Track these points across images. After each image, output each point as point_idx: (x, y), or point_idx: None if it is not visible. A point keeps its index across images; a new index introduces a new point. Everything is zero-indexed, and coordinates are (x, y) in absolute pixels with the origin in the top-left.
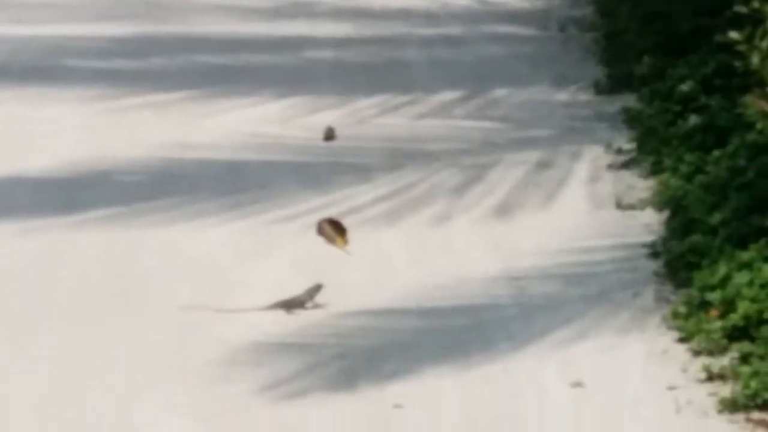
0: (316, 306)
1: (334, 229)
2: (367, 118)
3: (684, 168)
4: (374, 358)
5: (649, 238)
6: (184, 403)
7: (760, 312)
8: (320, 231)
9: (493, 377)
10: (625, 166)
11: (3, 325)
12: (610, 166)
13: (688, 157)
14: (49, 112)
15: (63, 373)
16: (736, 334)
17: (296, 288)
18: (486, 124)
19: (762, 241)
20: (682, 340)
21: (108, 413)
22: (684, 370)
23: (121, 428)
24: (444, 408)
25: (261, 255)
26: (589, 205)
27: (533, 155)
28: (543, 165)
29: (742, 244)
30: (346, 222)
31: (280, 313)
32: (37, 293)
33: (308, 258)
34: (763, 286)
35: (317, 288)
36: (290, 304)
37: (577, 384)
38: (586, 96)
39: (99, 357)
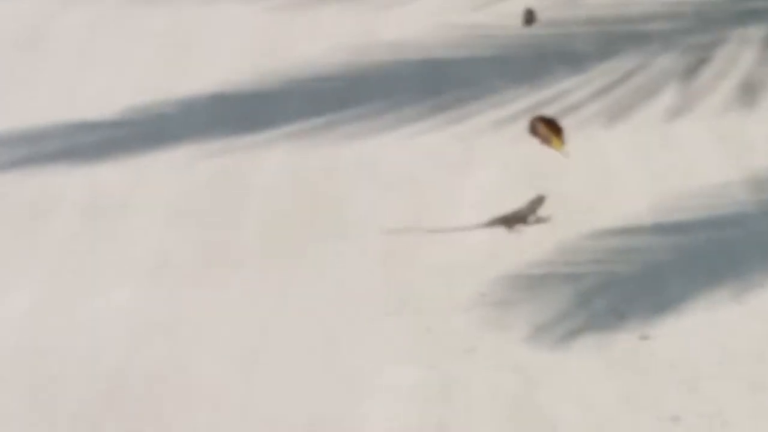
0: (539, 220)
1: (549, 129)
2: None
3: None
4: (610, 284)
5: None
6: (403, 346)
7: None
8: (533, 130)
9: (747, 299)
10: None
11: (189, 263)
12: None
13: None
14: (211, 15)
15: (263, 315)
16: None
17: (513, 199)
18: None
19: None
20: None
21: (318, 357)
22: None
23: (336, 374)
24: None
25: (470, 164)
26: None
27: (761, 30)
28: None
29: None
30: (560, 121)
31: (501, 231)
32: (224, 224)
33: (523, 164)
34: None
35: (540, 200)
36: (511, 220)
37: None
38: None
39: (301, 293)
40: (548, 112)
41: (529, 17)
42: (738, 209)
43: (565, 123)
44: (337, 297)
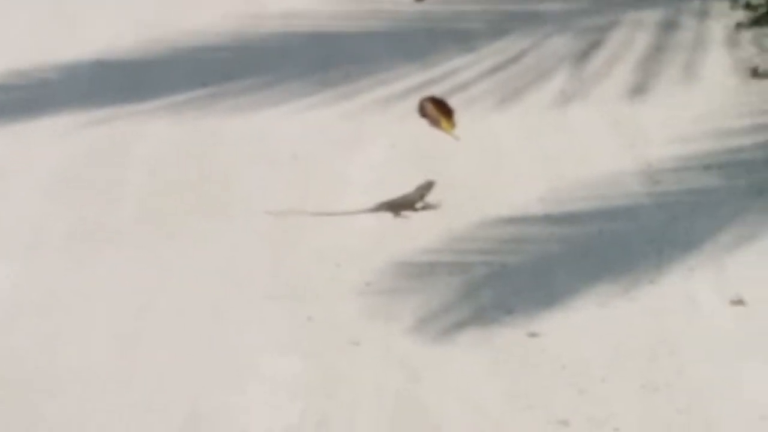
0: (427, 206)
1: (439, 110)
2: None
3: None
4: (499, 276)
5: None
6: (284, 334)
7: None
8: (423, 111)
9: (639, 295)
10: (757, 23)
11: (65, 237)
12: (740, 25)
13: None
14: None
15: (140, 295)
16: None
17: (401, 182)
18: None
19: None
20: None
21: (198, 343)
22: None
23: (216, 362)
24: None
25: (358, 143)
26: (726, 74)
27: (656, 14)
28: (668, 26)
29: None
30: (450, 101)
31: (388, 216)
32: (104, 197)
33: (412, 144)
34: None
35: (428, 185)
36: (398, 205)
37: (738, 302)
38: None
39: (181, 273)
40: (438, 91)
41: None
42: (631, 200)
43: (454, 103)
44: (219, 278)
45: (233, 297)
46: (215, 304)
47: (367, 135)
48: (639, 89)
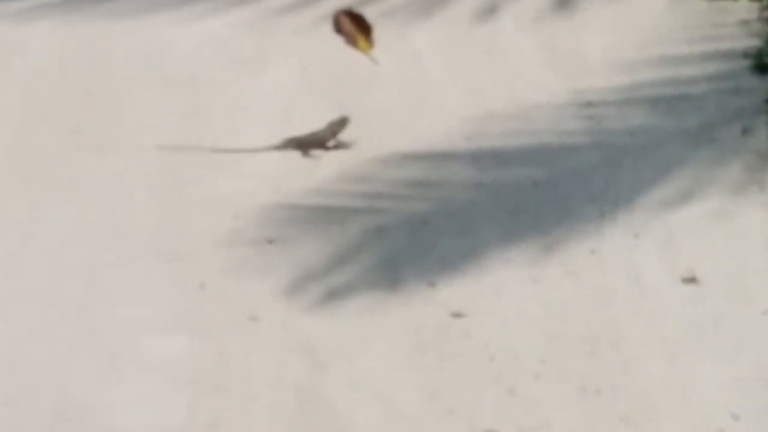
0: (340, 146)
1: (356, 26)
2: None
3: None
4: (418, 232)
5: (750, 42)
6: (171, 306)
7: None
8: (338, 27)
9: (578, 268)
10: None
11: None
12: None
13: None
14: None
15: (4, 249)
16: None
17: (309, 113)
18: None
19: None
20: None
21: (70, 317)
22: None
23: (91, 341)
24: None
25: (263, 63)
26: None
27: None
28: None
29: None
30: (366, 10)
31: (294, 156)
32: None
33: (325, 69)
34: None
35: (342, 122)
36: (307, 143)
37: (689, 279)
38: None
39: (54, 222)
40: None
41: None
42: (569, 143)
43: (371, 13)
44: (95, 231)
45: (110, 256)
46: (88, 264)
47: (274, 53)
48: (566, 5)
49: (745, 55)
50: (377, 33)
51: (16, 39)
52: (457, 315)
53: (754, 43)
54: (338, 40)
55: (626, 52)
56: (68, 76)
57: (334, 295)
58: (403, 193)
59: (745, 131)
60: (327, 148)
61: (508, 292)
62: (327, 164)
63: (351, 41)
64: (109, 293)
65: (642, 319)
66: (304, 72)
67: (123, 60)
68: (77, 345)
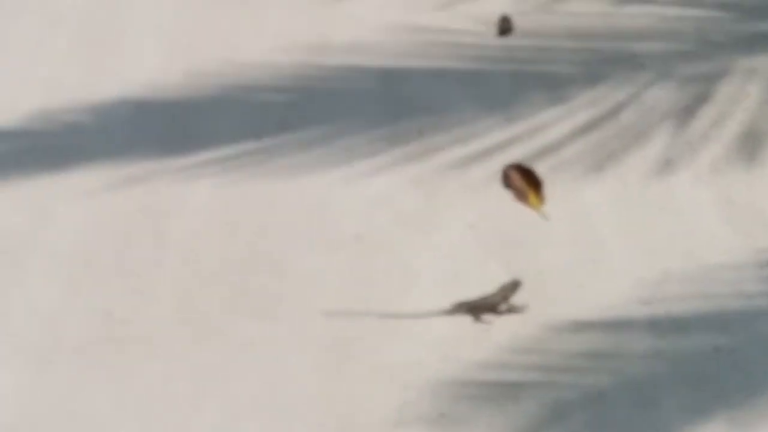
0: (512, 310)
1: (526, 181)
2: (549, 3)
3: None
4: (596, 406)
5: None
6: None
7: None
8: (507, 182)
9: None
10: None
11: (84, 337)
12: None
13: None
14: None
15: (168, 414)
16: None
17: (478, 274)
18: (700, 12)
19: None
20: None
21: None
22: None
23: None
24: None
25: (430, 221)
26: None
27: None
28: None
29: None
30: (537, 164)
31: (464, 322)
32: (131, 286)
33: (493, 226)
34: None
35: (514, 285)
36: (478, 308)
37: None
38: None
39: (213, 391)
40: (524, 150)
41: (506, 25)
42: (749, 307)
43: (541, 167)
44: (262, 410)
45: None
46: None
47: (441, 210)
48: (748, 156)
49: None
50: (547, 188)
51: (174, 198)
52: None
53: None
54: (506, 195)
55: None
56: (229, 237)
57: None
58: (578, 364)
59: None
60: (499, 313)
61: None
62: (498, 331)
63: (520, 196)
64: None
65: None
66: (471, 228)
67: (285, 220)
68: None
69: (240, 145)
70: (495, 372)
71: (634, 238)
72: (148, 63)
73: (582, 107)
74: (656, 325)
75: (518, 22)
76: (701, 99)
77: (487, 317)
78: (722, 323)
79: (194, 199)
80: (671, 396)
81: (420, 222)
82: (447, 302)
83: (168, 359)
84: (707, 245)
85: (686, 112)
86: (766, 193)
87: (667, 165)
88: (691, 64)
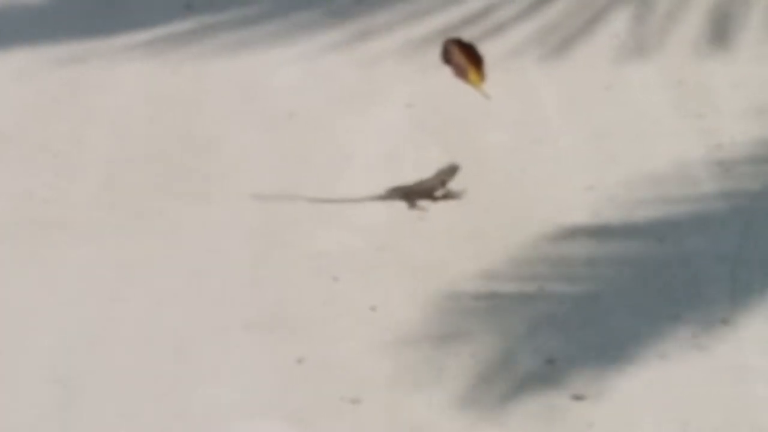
0: (449, 195)
1: (466, 56)
2: None
3: None
4: (534, 301)
5: None
6: (267, 387)
7: None
8: (446, 57)
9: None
10: None
11: (5, 221)
12: None
13: None
14: None
15: (90, 305)
16: None
17: (416, 155)
18: None
19: None
20: None
21: (161, 373)
22: None
23: (178, 396)
24: None
25: (368, 101)
26: None
27: None
28: None
29: None
30: (483, 47)
31: (399, 208)
32: (56, 166)
33: (433, 106)
34: None
35: (452, 170)
36: (414, 192)
37: None
38: None
39: (141, 277)
40: (470, 34)
41: None
42: (697, 197)
43: (487, 50)
44: (189, 295)
45: (201, 326)
46: (177, 336)
47: (378, 89)
48: (715, 40)
49: None
50: (493, 69)
51: (104, 77)
52: (577, 398)
53: None
54: (446, 73)
55: (759, 91)
56: (159, 117)
57: (443, 371)
58: (518, 254)
59: None
60: (435, 199)
61: (633, 374)
62: (434, 218)
63: (460, 73)
64: (198, 370)
65: None
66: (409, 108)
67: (217, 99)
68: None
69: (172, 24)
70: (428, 264)
71: (580, 123)
72: None
73: None
74: (600, 220)
75: None
76: None
77: (423, 203)
78: (669, 218)
79: (124, 78)
80: (616, 298)
81: (356, 101)
82: (382, 186)
83: (91, 242)
84: (654, 127)
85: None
86: (716, 74)
87: (617, 47)
88: None
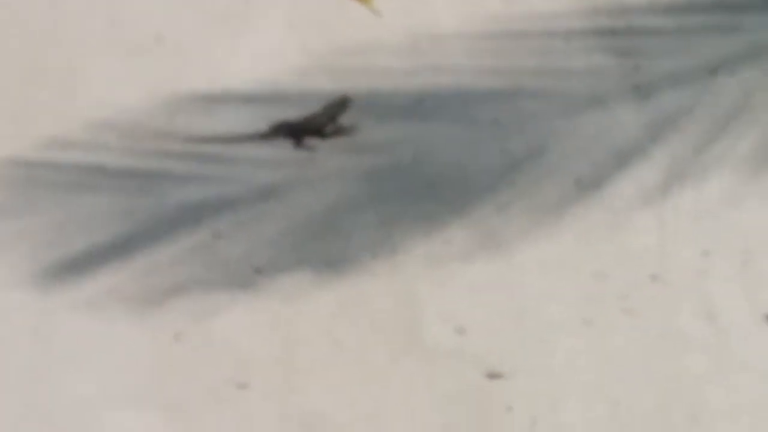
0: (340, 132)
1: None
2: None
3: None
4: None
5: None
6: (136, 355)
7: None
8: None
9: None
10: None
11: None
12: None
13: None
14: None
15: None
16: None
17: (302, 81)
18: None
19: None
20: None
21: (17, 357)
22: None
23: (37, 384)
24: None
25: (243, 20)
26: None
27: None
28: None
29: None
30: None
31: (284, 147)
32: None
33: (317, 26)
34: None
35: (343, 103)
36: (300, 129)
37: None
38: None
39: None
40: None
41: None
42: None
43: None
44: (51, 260)
45: (64, 298)
46: (36, 311)
47: (257, 9)
48: None
49: None
50: None
51: None
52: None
53: None
54: None
55: None
56: (14, 44)
57: (342, 346)
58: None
59: None
60: (324, 136)
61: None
62: (324, 158)
63: None
64: (61, 352)
65: (725, 377)
66: (290, 28)
67: (77, 22)
68: (22, 424)
69: None
70: (319, 209)
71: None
72: None
73: None
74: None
75: None
76: None
77: (311, 141)
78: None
79: None
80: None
81: (232, 22)
82: (263, 122)
83: None
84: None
85: None
86: None
87: None
88: None
